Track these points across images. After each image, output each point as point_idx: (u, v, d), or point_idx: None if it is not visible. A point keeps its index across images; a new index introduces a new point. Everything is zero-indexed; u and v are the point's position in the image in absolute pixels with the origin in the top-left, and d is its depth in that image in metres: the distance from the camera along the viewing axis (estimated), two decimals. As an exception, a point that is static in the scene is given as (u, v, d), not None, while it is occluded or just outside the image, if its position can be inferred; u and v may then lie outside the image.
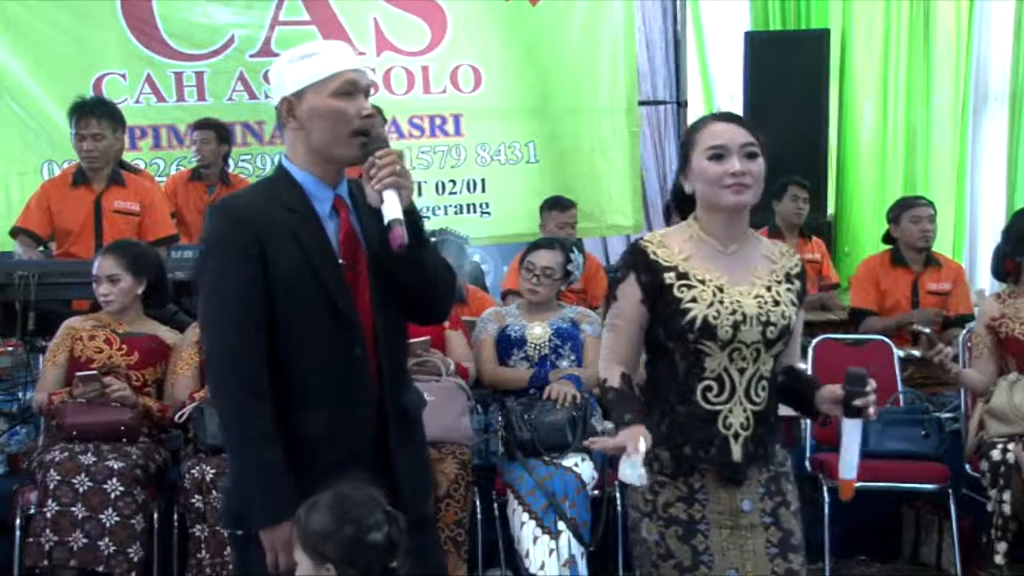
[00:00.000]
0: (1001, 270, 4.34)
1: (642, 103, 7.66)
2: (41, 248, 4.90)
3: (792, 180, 5.92)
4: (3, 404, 4.45)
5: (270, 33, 6.73)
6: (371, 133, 2.21)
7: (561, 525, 3.77)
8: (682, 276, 2.32)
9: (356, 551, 1.99)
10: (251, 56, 6.71)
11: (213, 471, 3.64)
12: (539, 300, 4.29)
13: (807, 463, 4.37)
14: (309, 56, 2.22)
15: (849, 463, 2.34)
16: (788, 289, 2.39)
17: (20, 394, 4.40)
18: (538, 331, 4.24)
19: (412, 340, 3.54)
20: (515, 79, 7.23)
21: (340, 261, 2.21)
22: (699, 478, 2.32)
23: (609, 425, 3.91)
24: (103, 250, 4.05)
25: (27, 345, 4.34)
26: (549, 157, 7.30)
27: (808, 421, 4.38)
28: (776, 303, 2.34)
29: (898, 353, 4.69)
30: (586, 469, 3.92)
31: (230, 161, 6.21)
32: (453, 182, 7.19)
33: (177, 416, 3.88)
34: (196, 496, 3.65)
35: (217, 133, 5.95)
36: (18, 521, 3.71)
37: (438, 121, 7.15)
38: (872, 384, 2.27)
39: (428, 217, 6.59)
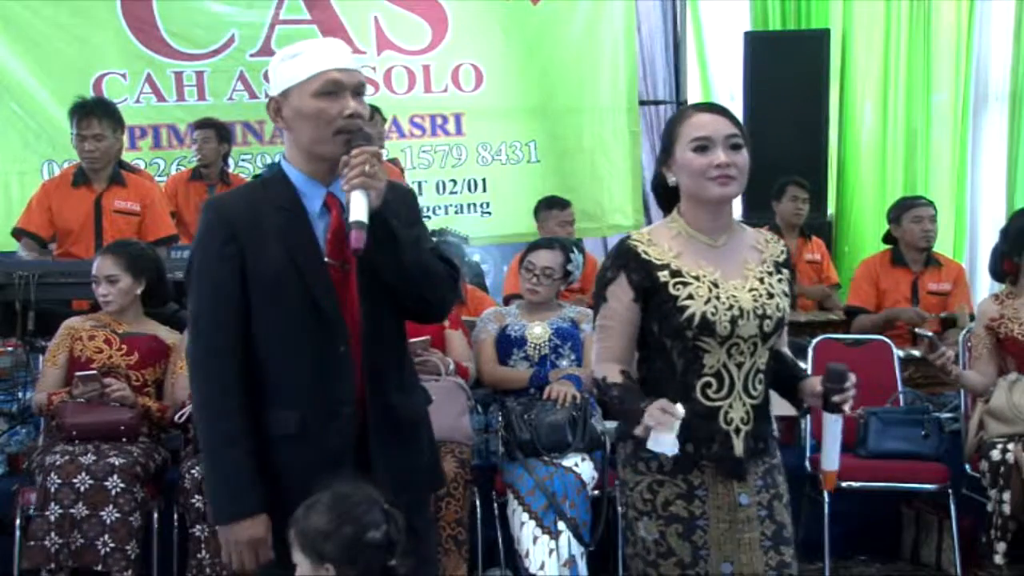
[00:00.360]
0: (1000, 271, 4.33)
1: (642, 103, 7.67)
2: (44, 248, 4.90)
3: (791, 180, 5.93)
4: (3, 404, 4.44)
5: (271, 32, 6.73)
6: (353, 131, 2.19)
7: (561, 525, 3.76)
8: (675, 273, 2.31)
9: (355, 550, 1.98)
10: (252, 55, 6.71)
11: (213, 471, 3.64)
12: (539, 300, 4.29)
13: (807, 463, 4.37)
14: (295, 56, 2.23)
15: (831, 455, 2.38)
16: (779, 280, 2.39)
17: (20, 394, 4.39)
18: (538, 331, 4.24)
19: (412, 340, 3.53)
20: (516, 78, 7.24)
21: (325, 259, 2.19)
22: (699, 474, 2.32)
23: (610, 425, 3.93)
24: (102, 250, 4.05)
25: (27, 345, 4.34)
26: (550, 157, 7.31)
27: (808, 421, 4.39)
28: (770, 295, 2.35)
29: (898, 353, 4.69)
30: (586, 469, 3.92)
31: (230, 161, 6.21)
32: (454, 181, 7.20)
33: (177, 416, 3.88)
34: (196, 496, 3.65)
35: (217, 133, 5.96)
36: (18, 522, 3.71)
37: (439, 120, 7.16)
38: (852, 380, 2.27)
39: (428, 217, 6.58)
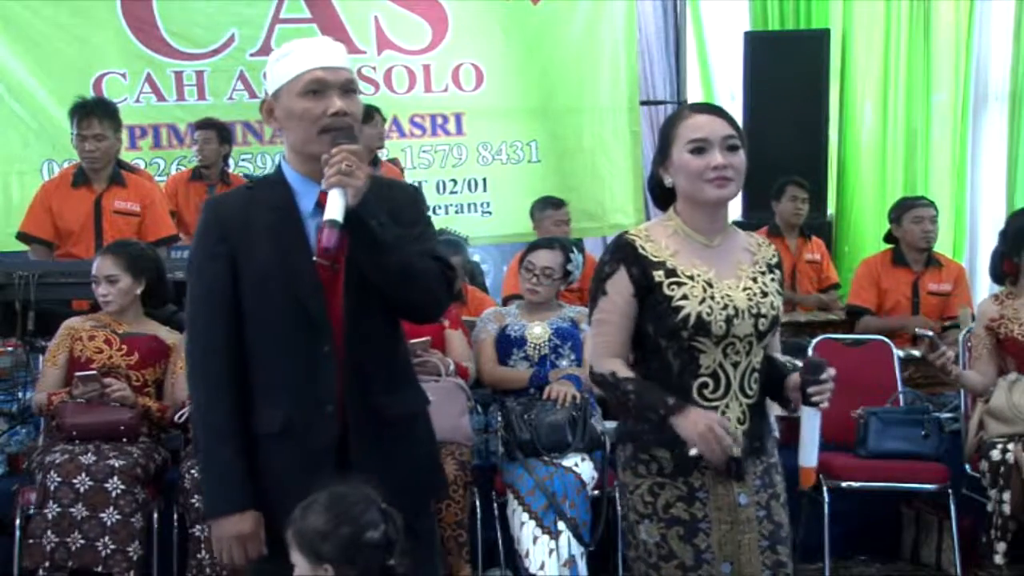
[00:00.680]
0: (999, 272, 4.33)
1: (642, 103, 7.67)
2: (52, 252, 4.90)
3: (791, 180, 5.92)
4: (3, 404, 4.44)
5: (271, 31, 6.72)
6: (338, 129, 2.18)
7: (561, 525, 3.77)
8: (671, 273, 2.31)
9: (354, 550, 1.98)
10: (252, 55, 6.70)
11: (213, 471, 3.64)
12: (539, 300, 4.29)
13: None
14: (285, 56, 2.23)
15: (808, 451, 2.35)
16: (772, 279, 2.39)
17: (20, 394, 4.39)
18: (538, 331, 4.24)
19: (412, 341, 3.53)
20: (517, 78, 7.24)
21: (313, 258, 2.17)
22: (699, 476, 2.32)
23: (609, 425, 3.93)
24: (102, 251, 4.05)
25: (27, 345, 4.34)
26: (550, 157, 7.31)
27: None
28: (764, 294, 2.35)
29: (898, 353, 4.69)
30: (586, 469, 3.92)
31: (230, 161, 6.21)
32: (454, 181, 7.20)
33: (177, 416, 3.88)
34: (196, 496, 3.64)
35: (218, 133, 5.96)
36: (18, 521, 3.71)
37: (439, 120, 7.16)
38: (829, 373, 2.27)
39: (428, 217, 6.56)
